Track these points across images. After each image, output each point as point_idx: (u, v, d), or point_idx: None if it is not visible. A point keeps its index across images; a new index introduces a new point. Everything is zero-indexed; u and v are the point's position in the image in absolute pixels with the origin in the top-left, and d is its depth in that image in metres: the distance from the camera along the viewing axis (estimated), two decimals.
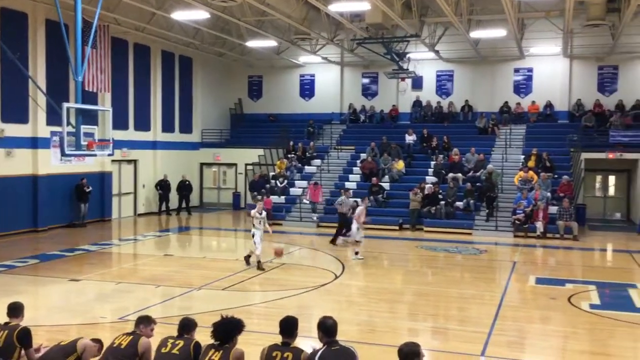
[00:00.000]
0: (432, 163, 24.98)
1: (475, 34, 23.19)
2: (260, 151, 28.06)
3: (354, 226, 16.72)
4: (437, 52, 26.74)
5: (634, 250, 18.47)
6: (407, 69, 26.33)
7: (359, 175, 25.50)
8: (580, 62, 27.23)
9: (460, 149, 24.89)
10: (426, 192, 22.61)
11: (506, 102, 27.93)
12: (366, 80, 30.72)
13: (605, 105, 26.44)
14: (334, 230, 19.38)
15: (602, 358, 8.60)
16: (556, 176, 22.80)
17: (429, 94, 29.43)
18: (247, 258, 14.72)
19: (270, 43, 25.53)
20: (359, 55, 28.34)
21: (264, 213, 14.58)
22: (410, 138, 26.59)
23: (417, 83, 29.18)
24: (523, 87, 28.23)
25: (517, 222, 20.88)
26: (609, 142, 24.37)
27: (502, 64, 28.30)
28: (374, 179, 23.97)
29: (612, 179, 28.30)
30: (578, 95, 27.07)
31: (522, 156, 24.70)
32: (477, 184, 22.81)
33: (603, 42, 24.78)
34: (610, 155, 24.38)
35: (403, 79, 28.04)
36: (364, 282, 13.84)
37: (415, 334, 9.77)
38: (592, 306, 11.40)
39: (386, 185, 24.27)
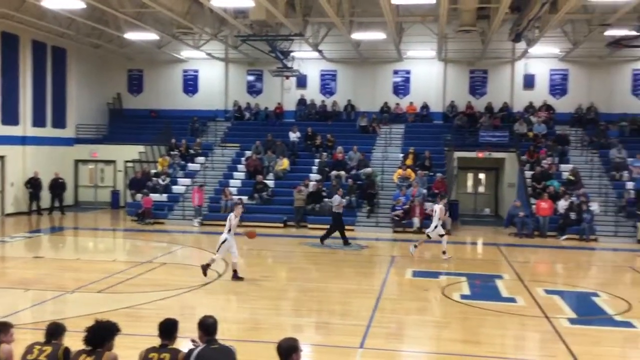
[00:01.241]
0: (317, 161, 25.35)
1: (357, 35, 23.78)
2: (141, 148, 27.14)
3: (433, 224, 16.47)
4: (320, 51, 27.15)
5: (501, 243, 19.80)
6: (292, 68, 26.50)
7: (243, 173, 25.38)
8: (453, 65, 28.74)
9: (343, 147, 25.45)
10: (310, 189, 22.92)
11: (386, 103, 28.92)
12: (251, 78, 30.60)
13: (476, 107, 28.09)
14: (218, 228, 19.07)
15: (473, 345, 9.12)
16: (432, 174, 23.92)
17: (313, 93, 29.84)
18: (235, 274, 13.04)
19: (151, 36, 24.72)
20: (244, 52, 28.17)
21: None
22: (294, 136, 26.82)
23: (302, 82, 29.48)
24: (402, 88, 29.35)
25: (396, 218, 21.69)
26: (479, 141, 25.93)
27: (382, 66, 29.25)
28: (259, 177, 23.96)
29: (482, 177, 30.18)
30: (452, 97, 28.57)
31: (401, 154, 25.68)
32: (359, 181, 23.45)
33: (474, 47, 26.31)
34: (480, 155, 25.95)
35: (288, 77, 28.17)
36: (248, 280, 13.77)
37: (299, 330, 9.88)
38: (463, 296, 12.08)
39: (271, 183, 24.33)
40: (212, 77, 30.67)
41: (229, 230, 12.90)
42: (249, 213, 22.73)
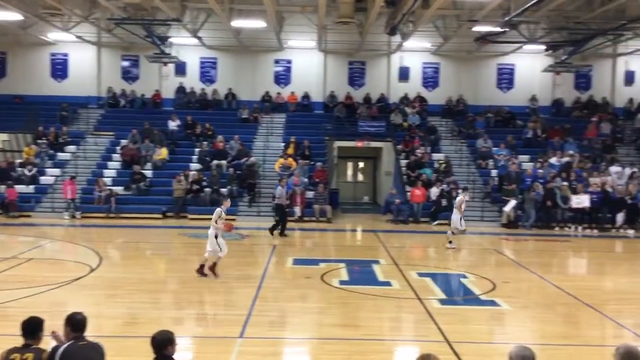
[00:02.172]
0: (197, 150, 24.87)
1: (237, 23, 23.53)
2: (5, 136, 25.25)
3: (456, 216, 16.30)
4: (200, 38, 26.57)
5: (379, 229, 20.51)
6: (170, 54, 25.79)
7: (119, 163, 24.38)
8: (333, 56, 29.24)
9: (224, 136, 25.15)
10: (190, 179, 22.46)
11: (267, 92, 28.89)
12: (126, 63, 29.36)
13: (355, 97, 28.80)
14: (90, 221, 18.28)
15: (352, 329, 9.38)
16: (312, 163, 24.25)
17: (192, 81, 29.17)
18: (213, 267, 12.49)
19: (15, 16, 22.98)
20: (118, 37, 26.96)
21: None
22: (173, 124, 26.13)
23: (181, 69, 28.74)
24: (283, 77, 29.45)
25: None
26: (358, 131, 26.63)
27: (263, 55, 29.16)
28: (136, 167, 23.13)
29: (361, 165, 31.05)
30: (332, 88, 29.07)
31: (283, 143, 25.81)
32: (238, 172, 23.28)
33: (353, 39, 26.91)
34: (359, 144, 26.68)
35: (166, 64, 27.37)
36: (123, 274, 13.27)
37: (179, 322, 9.67)
38: (342, 282, 12.37)
39: (148, 173, 23.57)
40: (83, 61, 29.06)
41: (216, 223, 12.46)
42: (125, 204, 21.98)
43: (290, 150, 24.74)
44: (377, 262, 14.73)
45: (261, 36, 27.23)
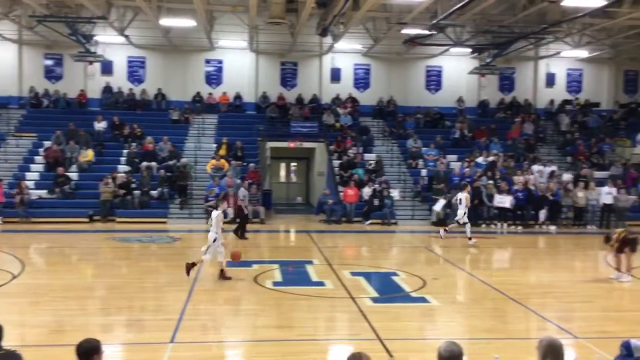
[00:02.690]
0: (125, 151, 24.22)
1: (166, 21, 23.08)
2: None
3: (461, 211, 17.31)
4: (127, 37, 25.89)
5: (312, 230, 20.58)
6: (95, 53, 25.03)
7: (42, 165, 23.45)
8: (265, 57, 29.12)
9: (154, 137, 24.62)
10: (119, 181, 21.85)
11: (198, 92, 28.47)
12: (49, 62, 28.25)
13: (287, 98, 28.79)
14: (13, 226, 17.49)
15: (286, 330, 9.36)
16: (245, 163, 24.08)
17: (120, 80, 28.39)
18: (222, 272, 12.42)
19: None
20: (41, 34, 25.90)
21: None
22: (100, 125, 25.36)
23: (107, 68, 27.93)
24: (214, 78, 29.10)
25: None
26: (291, 132, 26.64)
27: (194, 54, 28.72)
28: (60, 169, 22.30)
29: (294, 166, 31.08)
30: (264, 88, 28.95)
31: (215, 144, 25.50)
32: (169, 173, 22.84)
33: (284, 40, 26.90)
34: (292, 144, 26.70)
35: (91, 63, 26.55)
36: (48, 280, 12.77)
37: (107, 329, 9.38)
38: (276, 283, 12.34)
39: (74, 175, 22.78)
40: (3, 60, 27.76)
41: (216, 230, 12.21)
42: (49, 208, 21.17)
43: (223, 152, 24.49)
44: (310, 262, 14.77)
45: (191, 35, 26.82)
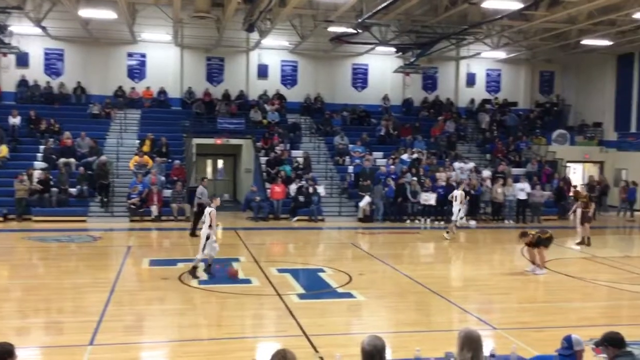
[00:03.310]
0: (42, 147, 23.20)
1: (85, 12, 22.23)
2: None
3: (456, 208, 17.75)
4: (44, 28, 24.78)
5: (239, 227, 20.41)
6: (10, 44, 23.84)
7: None
8: (190, 51, 28.59)
9: (73, 132, 23.72)
10: (35, 178, 20.93)
11: (120, 87, 27.63)
12: None
13: (214, 94, 28.39)
14: None
15: (212, 329, 9.24)
16: (170, 160, 23.59)
17: (36, 73, 27.14)
18: (208, 267, 12.55)
19: None
20: None
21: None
22: (14, 120, 24.18)
23: (23, 60, 26.65)
24: (137, 72, 28.31)
25: (132, 206, 20.95)
26: (217, 128, 26.31)
27: (115, 47, 27.84)
28: None
29: (220, 163, 30.72)
30: (189, 84, 28.43)
31: (138, 141, 24.84)
32: (89, 171, 22.05)
33: (210, 35, 26.50)
34: (218, 141, 26.37)
35: (5, 55, 25.26)
36: None
37: (24, 332, 8.98)
38: (201, 282, 12.15)
39: None
40: None
41: (210, 226, 12.22)
42: None
43: (146, 148, 23.88)
44: (237, 259, 14.64)
45: (112, 28, 25.98)
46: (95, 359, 7.74)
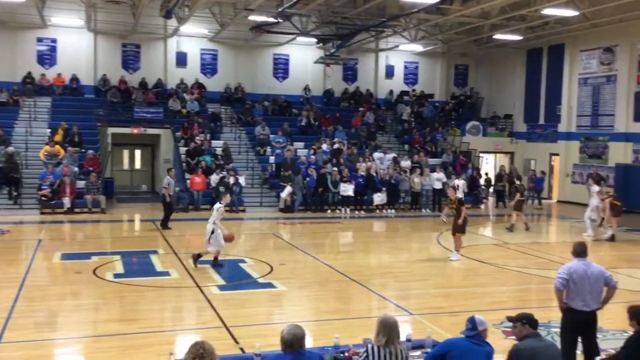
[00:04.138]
0: None
1: None
2: None
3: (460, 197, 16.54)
4: None
5: (157, 219, 19.88)
6: None
7: None
8: (104, 37, 27.56)
9: None
10: None
11: (30, 73, 26.27)
12: None
13: (130, 82, 27.52)
14: None
15: (129, 324, 8.99)
16: (83, 150, 22.73)
17: None
18: (215, 260, 12.56)
19: None
20: None
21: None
22: None
23: None
24: (47, 58, 27.01)
25: (43, 198, 20.04)
26: (134, 117, 25.55)
27: (23, 32, 26.42)
28: None
29: (138, 153, 29.87)
30: (104, 71, 27.40)
31: (49, 130, 23.76)
32: None
33: (125, 20, 25.65)
34: (135, 130, 25.64)
35: None
36: None
37: None
38: (117, 275, 11.81)
39: None
40: None
41: (214, 221, 12.29)
42: None
43: (58, 137, 22.88)
44: (155, 252, 14.32)
45: (20, 11, 24.64)
46: (4, 358, 7.37)
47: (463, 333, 5.32)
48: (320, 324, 9.11)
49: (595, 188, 18.48)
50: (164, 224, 17.86)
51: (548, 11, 21.25)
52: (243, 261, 13.49)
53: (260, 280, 11.71)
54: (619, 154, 24.60)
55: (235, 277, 12.17)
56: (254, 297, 10.68)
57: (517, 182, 20.36)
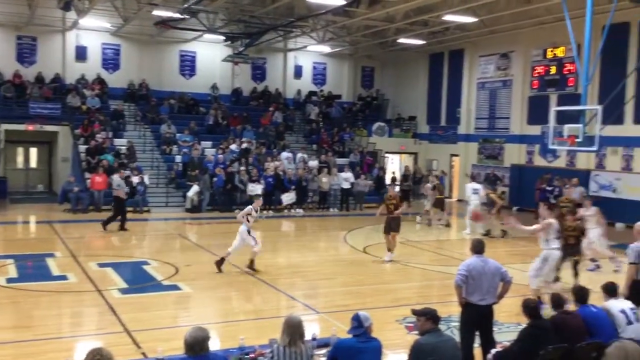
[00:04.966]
0: None
1: None
2: None
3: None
4: None
5: (55, 220, 19.01)
6: None
7: None
8: None
9: None
10: None
11: None
12: None
13: (25, 76, 26.02)
14: None
15: (22, 331, 8.51)
16: None
17: None
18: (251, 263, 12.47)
19: None
20: None
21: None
22: None
23: None
24: None
25: None
26: (29, 113, 24.22)
27: None
28: None
29: (33, 151, 28.34)
30: None
31: None
32: None
33: (20, 12, 24.29)
34: (30, 127, 24.33)
35: None
36: None
37: None
38: (10, 280, 11.16)
39: None
40: None
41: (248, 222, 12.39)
42: None
43: None
44: (51, 255, 13.64)
45: None
46: None
47: (350, 332, 5.36)
48: (228, 326, 9.00)
49: (475, 185, 19.35)
50: (109, 224, 17.17)
51: (449, 17, 22.07)
52: (147, 263, 13.10)
53: (165, 283, 11.41)
54: (514, 155, 25.97)
55: (138, 279, 11.79)
56: (158, 300, 10.39)
57: (436, 181, 21.03)
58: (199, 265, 13.18)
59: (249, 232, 12.45)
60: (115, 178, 18.15)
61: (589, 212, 13.39)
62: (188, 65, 29.71)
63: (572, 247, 11.25)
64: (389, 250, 14.11)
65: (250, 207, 12.74)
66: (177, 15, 21.90)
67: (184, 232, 18.05)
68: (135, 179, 21.21)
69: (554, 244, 10.30)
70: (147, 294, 10.73)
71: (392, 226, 14.00)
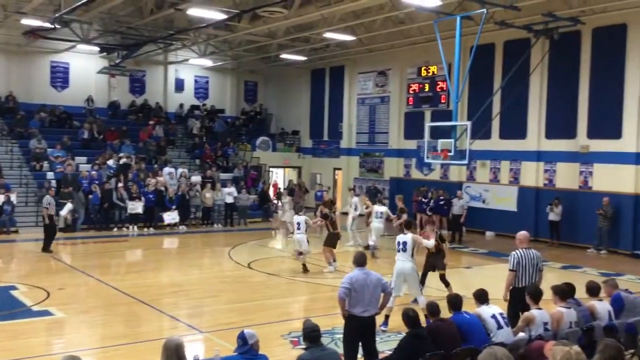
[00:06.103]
0: None
1: None
2: None
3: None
4: None
5: None
6: None
7: None
8: None
9: None
10: None
11: None
12: None
13: None
14: None
15: None
16: None
17: None
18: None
19: None
20: None
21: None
22: None
23: None
24: None
25: None
26: None
27: None
28: None
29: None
30: None
31: None
32: None
33: None
34: None
35: None
36: None
37: None
38: None
39: None
40: None
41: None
42: None
43: None
44: None
45: None
46: None
47: (236, 351, 5.33)
48: (105, 351, 8.57)
49: (355, 199, 19.88)
50: (46, 248, 16.48)
51: (329, 35, 22.59)
52: (14, 288, 12.19)
53: (35, 308, 10.67)
54: (393, 168, 26.96)
55: (4, 306, 10.92)
56: (27, 327, 9.70)
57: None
58: (72, 287, 12.49)
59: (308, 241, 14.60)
60: (46, 197, 16.79)
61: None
62: (60, 77, 28.19)
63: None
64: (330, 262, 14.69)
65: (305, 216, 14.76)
66: (48, 25, 20.73)
67: (57, 253, 16.97)
68: (1, 198, 19.75)
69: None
70: (16, 320, 9.99)
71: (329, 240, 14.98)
